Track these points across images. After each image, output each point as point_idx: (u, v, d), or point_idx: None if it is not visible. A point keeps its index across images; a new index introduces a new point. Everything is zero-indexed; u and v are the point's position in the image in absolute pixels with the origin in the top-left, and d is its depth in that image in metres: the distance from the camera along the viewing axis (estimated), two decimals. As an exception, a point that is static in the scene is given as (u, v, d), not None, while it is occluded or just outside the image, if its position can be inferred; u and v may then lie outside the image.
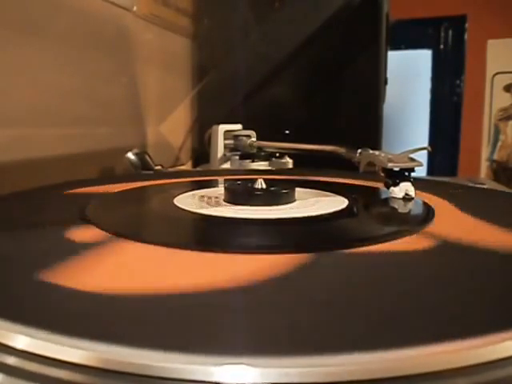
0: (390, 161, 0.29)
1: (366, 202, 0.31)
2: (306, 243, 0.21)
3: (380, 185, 0.32)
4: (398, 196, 0.29)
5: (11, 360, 0.11)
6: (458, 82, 1.20)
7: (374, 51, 0.63)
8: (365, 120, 0.63)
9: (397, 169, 0.29)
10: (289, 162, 0.52)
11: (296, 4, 0.64)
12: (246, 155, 0.52)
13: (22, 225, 0.23)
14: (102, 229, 0.21)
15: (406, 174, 0.29)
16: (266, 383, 0.10)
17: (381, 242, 0.19)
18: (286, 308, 0.13)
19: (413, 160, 0.29)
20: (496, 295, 0.14)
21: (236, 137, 0.53)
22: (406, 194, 0.29)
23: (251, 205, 0.26)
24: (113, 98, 0.51)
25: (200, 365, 0.10)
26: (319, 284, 0.15)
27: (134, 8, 0.53)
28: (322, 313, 0.13)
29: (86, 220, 0.23)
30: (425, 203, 0.28)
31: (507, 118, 1.14)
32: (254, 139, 0.52)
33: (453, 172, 1.18)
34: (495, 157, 1.16)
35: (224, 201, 0.27)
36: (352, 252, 0.18)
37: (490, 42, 1.14)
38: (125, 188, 0.33)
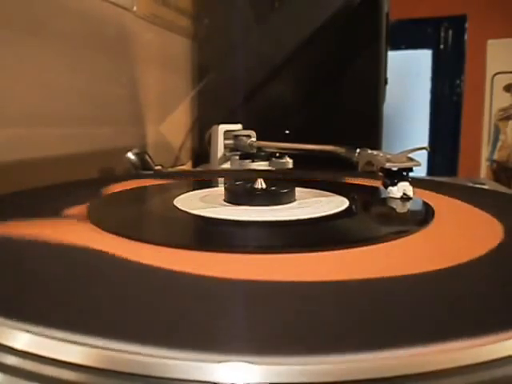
0: (389, 160, 0.29)
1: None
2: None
3: (379, 184, 0.32)
4: (396, 196, 0.29)
5: (11, 360, 0.11)
6: (458, 81, 1.20)
7: (374, 51, 0.63)
8: (365, 120, 0.63)
9: (395, 168, 0.29)
10: (289, 162, 0.52)
11: (296, 4, 0.64)
12: (246, 155, 0.52)
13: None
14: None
15: (404, 173, 0.29)
16: (266, 383, 0.10)
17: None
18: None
19: (411, 160, 0.29)
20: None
21: (236, 137, 0.53)
22: (404, 194, 0.29)
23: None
24: (113, 97, 0.51)
25: (200, 362, 0.10)
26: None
27: (134, 8, 0.53)
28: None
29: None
30: (424, 202, 0.28)
31: (507, 118, 1.14)
32: (254, 139, 0.52)
33: (453, 172, 1.18)
34: (495, 157, 1.16)
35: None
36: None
37: (490, 42, 1.14)
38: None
